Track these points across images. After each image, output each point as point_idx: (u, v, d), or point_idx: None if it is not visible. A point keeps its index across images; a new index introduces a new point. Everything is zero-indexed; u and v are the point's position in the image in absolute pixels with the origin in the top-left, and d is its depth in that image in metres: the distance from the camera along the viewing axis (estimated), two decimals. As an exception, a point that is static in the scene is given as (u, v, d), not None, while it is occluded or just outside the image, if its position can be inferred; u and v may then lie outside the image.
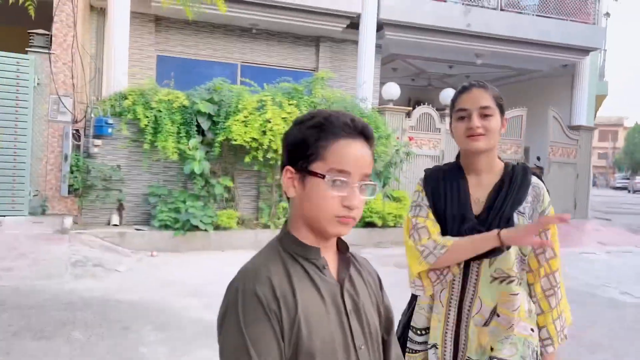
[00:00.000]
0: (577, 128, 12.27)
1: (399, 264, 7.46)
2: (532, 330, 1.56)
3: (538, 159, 12.43)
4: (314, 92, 8.45)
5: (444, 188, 1.61)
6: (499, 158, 1.66)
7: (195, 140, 7.67)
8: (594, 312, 5.25)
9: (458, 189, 1.59)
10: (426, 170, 1.71)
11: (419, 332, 1.65)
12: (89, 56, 8.88)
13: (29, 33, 7.32)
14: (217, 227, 7.63)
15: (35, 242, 6.48)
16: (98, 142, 7.59)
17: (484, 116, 1.55)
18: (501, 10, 11.29)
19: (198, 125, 7.81)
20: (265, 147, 7.60)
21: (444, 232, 1.56)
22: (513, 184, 1.57)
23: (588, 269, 7.29)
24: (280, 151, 6.45)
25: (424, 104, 10.92)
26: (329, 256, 1.01)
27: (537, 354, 1.56)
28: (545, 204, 1.58)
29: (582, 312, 4.89)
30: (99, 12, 9.22)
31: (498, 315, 1.53)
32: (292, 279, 0.92)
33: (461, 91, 1.62)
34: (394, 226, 8.94)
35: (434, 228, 1.57)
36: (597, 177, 54.37)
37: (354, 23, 10.21)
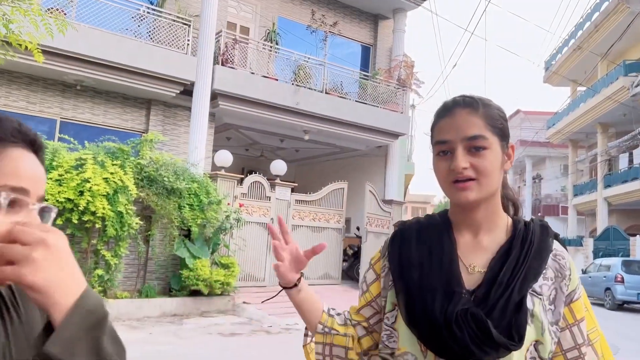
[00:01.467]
0: (389, 202, 13.72)
1: (224, 332, 7.29)
2: None
3: (357, 229, 13.51)
4: (142, 154, 8.19)
5: (420, 250, 1.10)
6: (507, 208, 1.16)
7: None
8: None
9: (441, 252, 1.08)
10: (397, 224, 1.24)
11: None
12: None
13: None
14: None
15: None
16: None
17: (475, 150, 1.04)
18: (326, 93, 12.46)
19: None
20: (81, 208, 7.03)
21: (412, 318, 1.04)
22: (526, 248, 1.05)
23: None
24: (99, 213, 6.01)
25: (257, 173, 11.27)
26: None
27: None
28: (575, 282, 1.05)
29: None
30: None
31: None
32: None
33: (441, 114, 1.11)
34: (221, 294, 8.78)
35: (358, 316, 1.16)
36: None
37: (187, 90, 10.32)
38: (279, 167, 11.40)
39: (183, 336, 6.82)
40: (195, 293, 8.45)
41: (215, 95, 10.70)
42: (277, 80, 11.76)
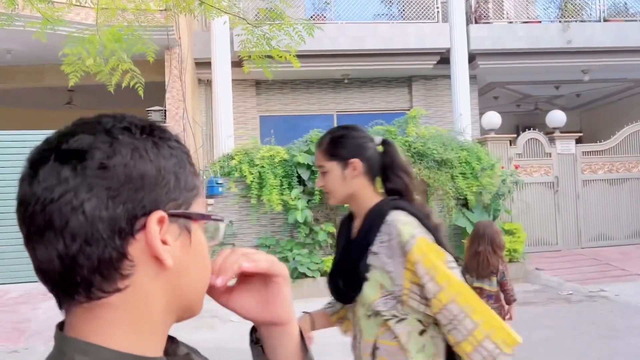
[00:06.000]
0: None
1: (517, 301, 6.96)
2: None
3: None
4: (408, 131, 8.45)
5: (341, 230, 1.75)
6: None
7: (296, 191, 8.00)
8: None
9: (343, 231, 1.70)
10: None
11: None
12: (198, 124, 9.81)
13: (147, 111, 8.33)
14: (324, 274, 7.76)
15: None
16: (211, 201, 8.23)
17: (322, 174, 1.60)
18: (604, 21, 10.54)
19: (298, 176, 8.16)
20: (363, 190, 7.69)
21: None
22: (363, 226, 1.56)
23: None
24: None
25: (533, 129, 10.37)
26: None
27: None
28: (404, 237, 1.47)
29: None
30: (206, 84, 10.22)
31: (378, 348, 1.52)
32: None
33: None
34: (510, 261, 8.39)
35: None
36: None
37: (444, 58, 10.17)
38: (556, 118, 10.21)
39: (474, 305, 6.79)
40: (482, 261, 8.30)
41: (473, 57, 10.26)
42: (539, 22, 10.54)
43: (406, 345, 1.48)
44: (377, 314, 1.52)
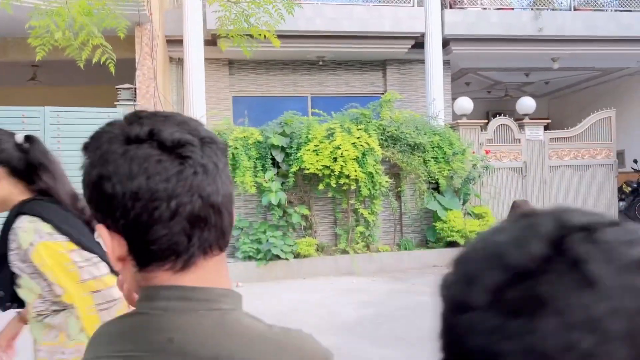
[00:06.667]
0: (678, 124, 11.20)
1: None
2: None
3: (635, 161, 11.47)
4: (382, 115, 8.47)
5: None
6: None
7: (270, 173, 7.96)
8: None
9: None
10: None
11: None
12: (170, 104, 9.60)
13: (117, 88, 8.09)
14: (297, 256, 7.78)
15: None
16: (182, 182, 8.10)
17: None
18: (575, 10, 10.74)
19: (272, 158, 8.11)
20: (337, 173, 7.70)
21: None
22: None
23: None
24: (352, 175, 6.46)
25: (503, 115, 10.54)
26: None
27: None
28: (24, 245, 1.47)
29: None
30: (178, 62, 9.98)
31: (40, 350, 1.55)
32: None
33: None
34: (478, 244, 8.59)
35: None
36: None
37: (418, 42, 10.19)
38: (525, 104, 10.40)
39: (444, 286, 6.93)
40: (452, 244, 8.47)
41: (447, 42, 10.31)
42: (512, 9, 10.65)
43: (67, 331, 1.52)
44: (39, 314, 1.53)
